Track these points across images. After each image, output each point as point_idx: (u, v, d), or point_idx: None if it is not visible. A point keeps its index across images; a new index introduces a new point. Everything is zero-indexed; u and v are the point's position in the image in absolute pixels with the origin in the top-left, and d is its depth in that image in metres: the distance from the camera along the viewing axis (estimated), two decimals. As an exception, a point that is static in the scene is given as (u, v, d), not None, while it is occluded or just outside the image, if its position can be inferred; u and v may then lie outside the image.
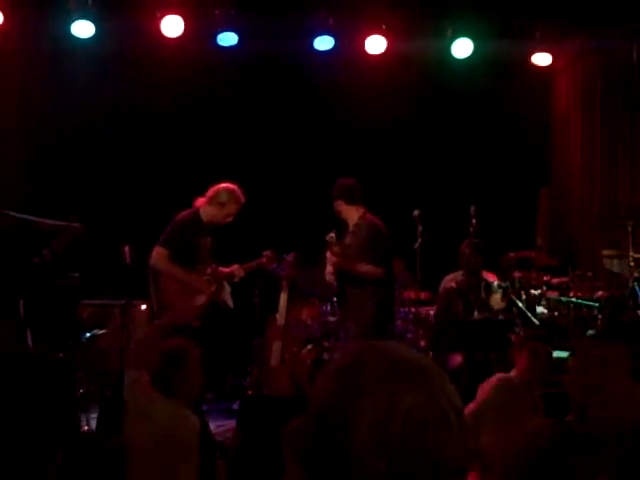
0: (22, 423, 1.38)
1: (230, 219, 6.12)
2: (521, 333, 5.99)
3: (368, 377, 1.21)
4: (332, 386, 1.23)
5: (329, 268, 6.34)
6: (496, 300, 6.75)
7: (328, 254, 6.28)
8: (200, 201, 6.09)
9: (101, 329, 7.05)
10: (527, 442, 1.74)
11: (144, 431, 3.75)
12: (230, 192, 6.06)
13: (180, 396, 3.89)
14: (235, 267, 6.22)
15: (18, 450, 1.38)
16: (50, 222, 5.96)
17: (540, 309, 7.11)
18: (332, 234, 6.27)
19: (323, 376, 1.27)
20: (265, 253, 6.34)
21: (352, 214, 6.31)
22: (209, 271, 6.08)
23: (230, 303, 6.94)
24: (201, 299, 6.01)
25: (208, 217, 6.05)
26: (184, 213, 6.07)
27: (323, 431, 1.21)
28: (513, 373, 4.73)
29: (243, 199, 6.09)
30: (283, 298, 6.65)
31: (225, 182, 6.15)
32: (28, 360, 1.44)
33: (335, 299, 6.51)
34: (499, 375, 4.76)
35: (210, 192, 6.07)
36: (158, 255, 5.91)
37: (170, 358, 3.89)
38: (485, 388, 4.63)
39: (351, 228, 6.30)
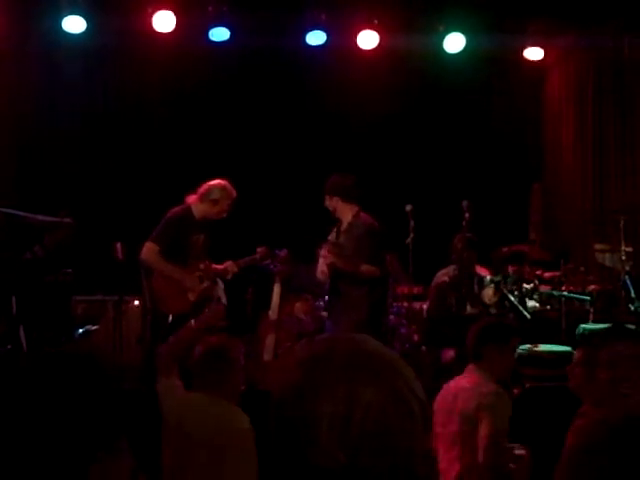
0: (71, 423, 1.41)
1: (223, 215, 6.10)
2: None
3: (331, 369, 1.21)
4: (294, 377, 1.23)
5: (322, 266, 6.31)
6: (488, 294, 6.76)
7: (324, 251, 6.26)
8: (192, 198, 6.07)
9: (94, 325, 7.05)
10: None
11: (191, 435, 3.65)
12: (222, 188, 6.04)
13: (225, 393, 3.77)
14: (228, 263, 6.22)
15: (65, 448, 1.40)
16: (41, 218, 5.95)
17: (532, 303, 7.13)
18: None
19: (285, 367, 1.26)
20: (259, 249, 6.33)
21: (347, 212, 6.26)
22: (202, 267, 6.08)
23: (223, 300, 6.95)
24: (192, 295, 6.00)
25: (201, 214, 6.04)
26: (176, 209, 6.04)
27: (284, 421, 1.21)
28: (479, 373, 4.03)
29: (235, 194, 6.08)
30: (276, 294, 6.65)
31: (216, 178, 6.15)
32: (79, 362, 1.45)
33: (327, 297, 6.48)
34: (489, 389, 3.94)
35: (202, 189, 6.05)
36: (148, 250, 5.89)
37: (215, 354, 3.78)
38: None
39: (345, 227, 6.26)
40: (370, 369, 1.21)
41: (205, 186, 6.05)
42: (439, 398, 4.10)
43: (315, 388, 1.20)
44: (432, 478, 3.49)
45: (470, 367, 4.12)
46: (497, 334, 4.13)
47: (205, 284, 6.06)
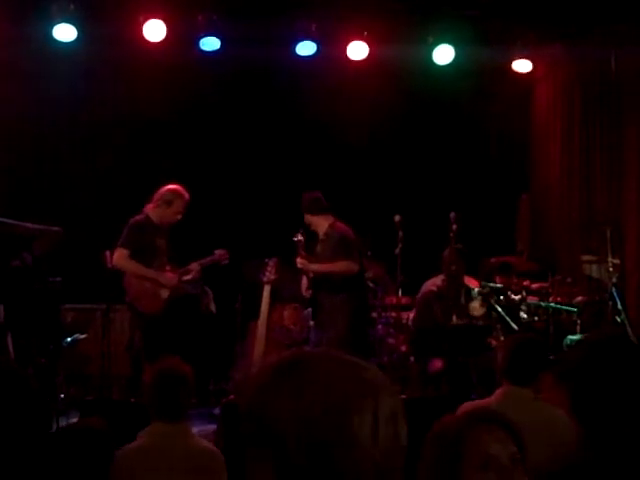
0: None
1: (179, 217, 6.39)
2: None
3: (294, 376, 1.22)
4: (259, 385, 1.24)
5: (305, 282, 6.50)
6: (475, 306, 6.79)
7: (298, 260, 6.42)
8: (148, 206, 6.39)
9: (82, 333, 7.05)
10: None
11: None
12: (174, 191, 6.38)
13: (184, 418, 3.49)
14: (192, 264, 6.47)
15: None
16: (29, 226, 5.99)
17: (520, 314, 7.16)
18: (300, 236, 6.45)
19: (251, 380, 1.28)
20: (217, 251, 6.59)
21: (321, 224, 6.55)
22: (169, 269, 6.38)
23: (213, 308, 6.99)
24: (165, 292, 6.28)
25: (158, 218, 6.34)
26: (135, 217, 6.35)
27: (251, 426, 1.22)
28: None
29: (187, 196, 6.39)
30: (265, 303, 6.68)
31: (172, 183, 6.44)
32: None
33: (310, 309, 6.64)
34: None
35: (156, 195, 6.38)
36: (119, 256, 6.19)
37: (174, 379, 3.44)
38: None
39: (321, 237, 6.51)
40: (328, 376, 1.22)
41: (158, 192, 6.38)
42: None
43: (275, 396, 1.20)
44: None
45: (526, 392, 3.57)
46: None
47: (175, 282, 6.34)
